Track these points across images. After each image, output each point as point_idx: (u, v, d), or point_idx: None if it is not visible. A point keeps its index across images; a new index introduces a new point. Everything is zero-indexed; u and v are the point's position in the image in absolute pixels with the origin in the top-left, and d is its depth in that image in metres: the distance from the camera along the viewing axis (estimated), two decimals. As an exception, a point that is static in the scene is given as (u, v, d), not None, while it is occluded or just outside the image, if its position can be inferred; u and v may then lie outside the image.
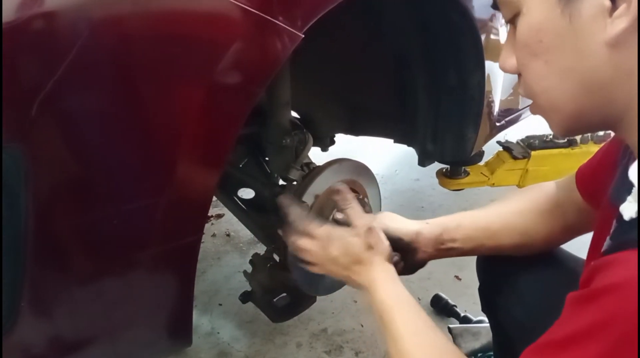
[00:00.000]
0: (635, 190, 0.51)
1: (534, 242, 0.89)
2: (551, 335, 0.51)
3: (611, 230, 0.53)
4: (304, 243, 0.87)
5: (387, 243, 0.84)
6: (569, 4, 0.51)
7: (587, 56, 0.51)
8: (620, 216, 0.51)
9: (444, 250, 0.90)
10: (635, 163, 0.53)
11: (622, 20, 0.48)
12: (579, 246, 0.88)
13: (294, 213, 0.90)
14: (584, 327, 0.46)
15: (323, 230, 0.86)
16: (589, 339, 0.45)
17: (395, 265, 0.86)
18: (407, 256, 0.90)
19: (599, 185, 0.71)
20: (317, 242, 0.85)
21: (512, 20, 0.58)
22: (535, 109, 0.62)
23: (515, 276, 0.90)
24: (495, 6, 0.60)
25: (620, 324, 0.43)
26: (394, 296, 0.76)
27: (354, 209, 0.88)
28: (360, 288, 0.82)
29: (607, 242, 0.53)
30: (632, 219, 0.49)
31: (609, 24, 0.49)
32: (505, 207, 0.91)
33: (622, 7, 0.48)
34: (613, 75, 0.51)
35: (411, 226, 0.90)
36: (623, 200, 0.51)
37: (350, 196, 0.91)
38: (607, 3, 0.49)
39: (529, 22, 0.55)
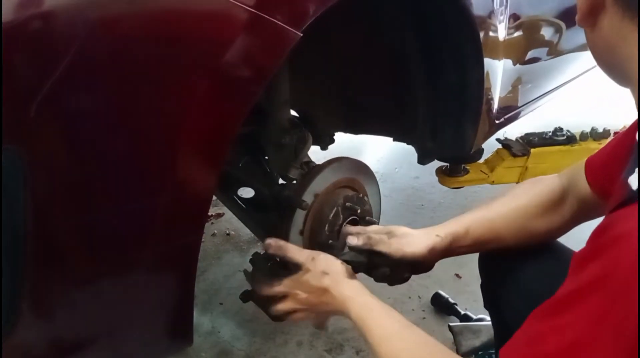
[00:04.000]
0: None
1: (535, 236, 0.90)
2: (556, 295, 0.52)
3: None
4: (281, 307, 0.90)
5: (337, 261, 0.87)
6: None
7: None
8: (629, 187, 0.52)
9: (450, 254, 0.93)
10: None
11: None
12: (582, 241, 0.88)
13: (257, 286, 0.94)
14: (586, 282, 0.47)
15: (282, 285, 0.89)
16: (590, 292, 0.46)
17: (384, 277, 0.92)
18: (415, 267, 0.94)
19: (610, 175, 0.72)
20: (288, 300, 0.89)
21: None
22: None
23: (517, 270, 0.91)
24: None
25: (618, 274, 0.44)
26: (364, 309, 0.78)
27: (290, 251, 0.92)
28: (342, 315, 0.83)
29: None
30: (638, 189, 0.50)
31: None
32: (508, 205, 0.92)
33: None
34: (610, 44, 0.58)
35: (421, 244, 0.90)
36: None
37: (281, 241, 0.94)
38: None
39: None
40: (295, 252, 0.91)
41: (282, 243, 0.94)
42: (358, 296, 0.80)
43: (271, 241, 0.94)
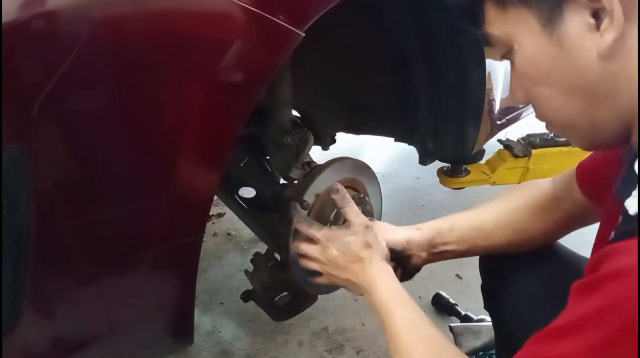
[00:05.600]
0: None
1: (530, 238, 0.89)
2: (555, 323, 0.51)
3: (617, 224, 0.53)
4: (304, 247, 0.89)
5: (384, 243, 0.85)
6: (555, 30, 0.54)
7: (585, 72, 0.54)
8: (625, 211, 0.51)
9: (438, 254, 0.91)
10: None
11: (609, 33, 0.50)
12: (581, 243, 0.88)
13: (298, 218, 0.92)
14: (587, 314, 0.47)
15: (322, 232, 0.87)
16: (591, 325, 0.46)
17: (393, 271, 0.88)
18: (401, 264, 0.91)
19: (601, 180, 0.72)
20: (317, 246, 0.87)
21: (506, 56, 0.61)
22: (556, 131, 0.65)
23: (517, 271, 0.91)
24: (487, 44, 0.63)
25: (622, 310, 0.43)
26: (392, 294, 0.77)
27: (351, 208, 0.90)
28: (360, 292, 0.83)
29: (612, 235, 0.53)
30: (636, 214, 0.50)
31: (599, 38, 0.51)
32: (498, 205, 0.92)
33: (606, 21, 0.51)
34: (613, 84, 0.53)
35: (400, 234, 0.90)
36: (628, 195, 0.52)
37: (347, 195, 0.92)
38: (591, 20, 0.52)
39: (523, 55, 0.58)
40: (353, 212, 0.89)
41: (348, 196, 0.91)
42: (388, 282, 0.79)
43: (338, 187, 0.92)
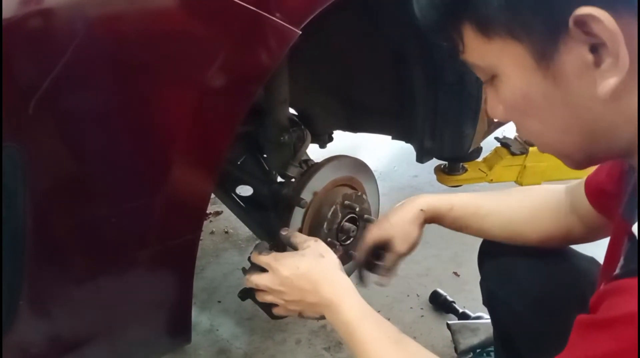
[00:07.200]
0: None
1: (523, 240, 0.89)
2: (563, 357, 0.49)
3: (623, 249, 0.51)
4: (254, 278, 0.81)
5: (335, 255, 0.80)
6: (550, 67, 0.49)
7: (583, 110, 0.50)
8: (632, 235, 0.49)
9: (436, 216, 0.94)
10: None
11: (612, 76, 0.46)
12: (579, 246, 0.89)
13: (253, 251, 0.84)
14: (597, 355, 0.45)
15: (271, 255, 0.80)
16: None
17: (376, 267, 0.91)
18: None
19: (609, 197, 0.70)
20: (266, 274, 0.80)
21: (490, 82, 0.56)
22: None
23: (517, 269, 0.91)
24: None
25: (633, 356, 0.42)
26: (357, 313, 0.71)
27: (297, 235, 0.87)
28: (320, 311, 0.76)
29: (621, 263, 0.51)
30: None
31: (599, 78, 0.47)
32: (498, 195, 0.94)
33: (608, 62, 0.46)
34: (613, 122, 0.49)
35: (417, 238, 0.93)
36: (634, 218, 0.49)
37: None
38: (589, 57, 0.47)
39: (512, 87, 0.53)
40: (300, 236, 0.86)
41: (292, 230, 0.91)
42: (352, 296, 0.73)
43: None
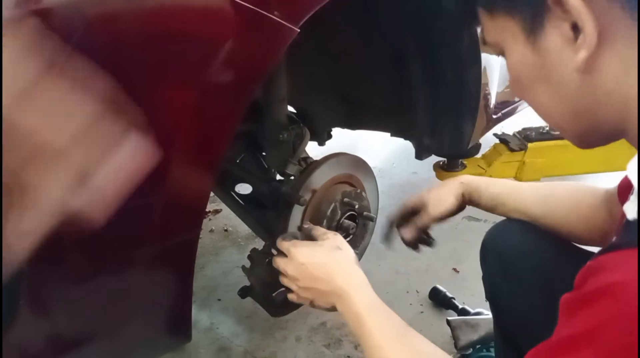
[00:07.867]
0: (635, 189, 0.50)
1: (560, 216, 0.90)
2: (551, 339, 0.50)
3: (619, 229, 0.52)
4: (276, 261, 0.86)
5: (352, 250, 0.84)
6: (536, 41, 0.54)
7: (565, 84, 0.54)
8: (624, 215, 0.50)
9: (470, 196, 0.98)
10: (634, 159, 0.52)
11: (583, 50, 0.50)
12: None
13: (280, 237, 0.90)
14: (579, 331, 0.46)
15: (290, 242, 0.85)
16: (583, 344, 0.45)
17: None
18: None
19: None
20: (285, 258, 0.84)
21: (502, 55, 0.61)
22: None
23: (519, 263, 0.91)
24: (483, 43, 0.63)
25: (613, 328, 0.42)
26: (368, 305, 0.74)
27: (317, 228, 0.91)
28: (332, 301, 0.78)
29: (613, 240, 0.51)
30: (634, 220, 0.48)
31: (573, 52, 0.51)
32: (540, 186, 0.95)
33: (580, 37, 0.50)
34: (593, 97, 0.53)
35: (449, 204, 0.96)
36: (625, 199, 0.51)
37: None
38: (569, 33, 0.51)
39: (512, 61, 0.59)
40: (319, 229, 0.90)
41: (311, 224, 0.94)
42: (364, 289, 0.76)
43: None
